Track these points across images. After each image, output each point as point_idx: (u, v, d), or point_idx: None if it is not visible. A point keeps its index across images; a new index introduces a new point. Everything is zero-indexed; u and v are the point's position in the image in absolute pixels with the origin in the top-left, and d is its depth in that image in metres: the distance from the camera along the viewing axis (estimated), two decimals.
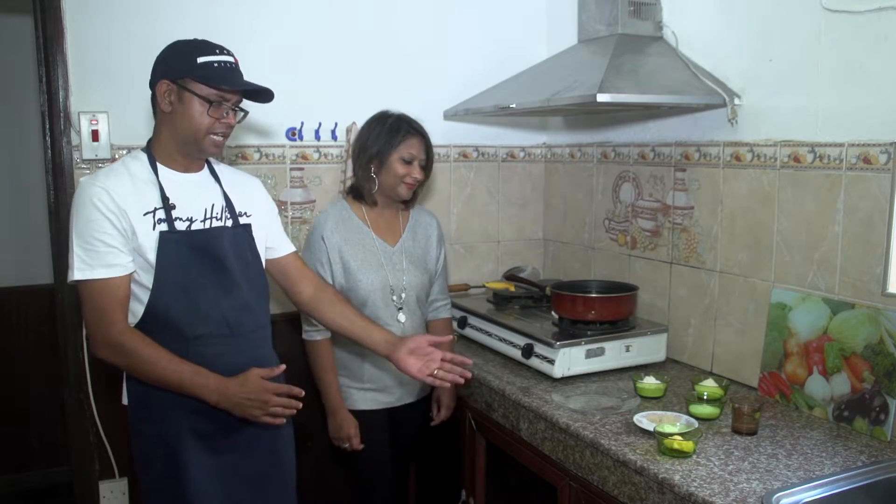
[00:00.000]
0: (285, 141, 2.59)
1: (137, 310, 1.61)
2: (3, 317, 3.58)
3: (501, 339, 2.39)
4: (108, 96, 2.31)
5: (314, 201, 2.62)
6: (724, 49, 2.13)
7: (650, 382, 2.01)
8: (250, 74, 1.72)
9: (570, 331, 2.23)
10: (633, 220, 2.55)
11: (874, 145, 1.74)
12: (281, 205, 2.55)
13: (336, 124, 2.63)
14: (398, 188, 2.14)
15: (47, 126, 2.38)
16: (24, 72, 3.44)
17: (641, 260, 2.53)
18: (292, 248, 1.92)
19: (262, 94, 1.68)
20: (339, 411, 2.09)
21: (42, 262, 3.42)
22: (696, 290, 2.29)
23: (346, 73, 2.62)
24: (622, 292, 2.31)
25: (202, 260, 1.65)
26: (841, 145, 1.82)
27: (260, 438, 1.74)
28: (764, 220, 2.04)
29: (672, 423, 1.73)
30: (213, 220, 1.70)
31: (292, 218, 2.59)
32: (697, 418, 1.79)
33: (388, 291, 2.15)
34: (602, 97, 1.88)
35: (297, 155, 2.61)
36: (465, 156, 2.90)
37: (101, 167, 2.30)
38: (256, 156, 2.55)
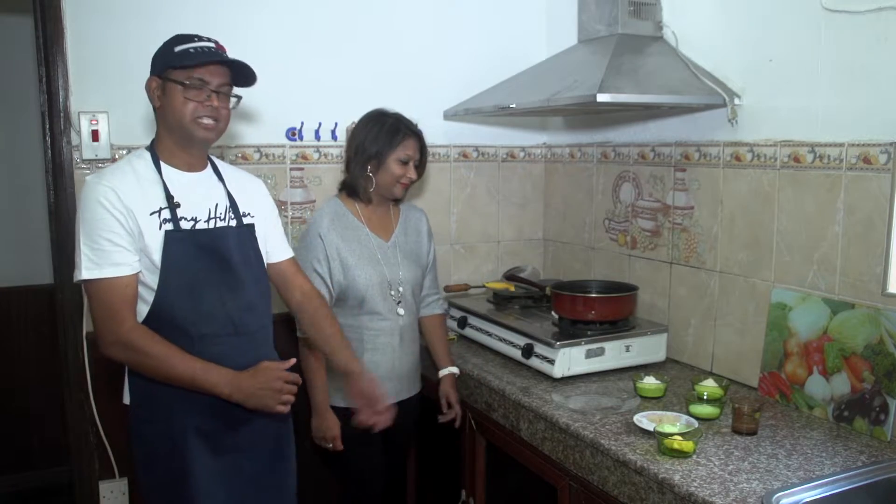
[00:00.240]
0: (285, 141, 2.59)
1: (142, 310, 1.61)
2: (3, 317, 3.58)
3: (501, 339, 2.39)
4: (108, 96, 2.31)
5: (314, 201, 2.62)
6: (724, 49, 2.13)
7: (650, 382, 2.01)
8: None
9: (570, 331, 2.23)
10: (633, 220, 2.55)
11: (874, 145, 1.74)
12: (281, 205, 2.55)
13: (336, 124, 2.63)
14: (394, 188, 2.17)
15: (47, 126, 2.38)
16: (24, 72, 3.44)
17: (641, 260, 2.53)
18: (289, 254, 1.91)
19: (244, 76, 1.69)
20: (324, 411, 2.09)
21: (42, 262, 3.42)
22: (696, 290, 2.29)
23: (346, 72, 2.62)
24: (622, 292, 2.31)
25: (208, 259, 1.65)
26: (841, 145, 1.82)
27: (262, 438, 1.74)
28: (764, 220, 2.04)
29: (672, 423, 1.73)
30: (217, 219, 1.70)
31: (292, 218, 2.59)
32: (697, 418, 1.79)
33: (385, 286, 2.16)
34: (602, 97, 1.88)
35: (297, 155, 2.61)
36: (465, 156, 2.90)
37: (101, 167, 2.30)
38: (256, 156, 2.55)
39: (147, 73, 1.67)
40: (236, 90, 1.72)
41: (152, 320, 1.60)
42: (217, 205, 1.72)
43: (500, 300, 2.62)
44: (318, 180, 2.62)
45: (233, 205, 1.75)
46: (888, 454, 1.63)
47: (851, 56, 1.78)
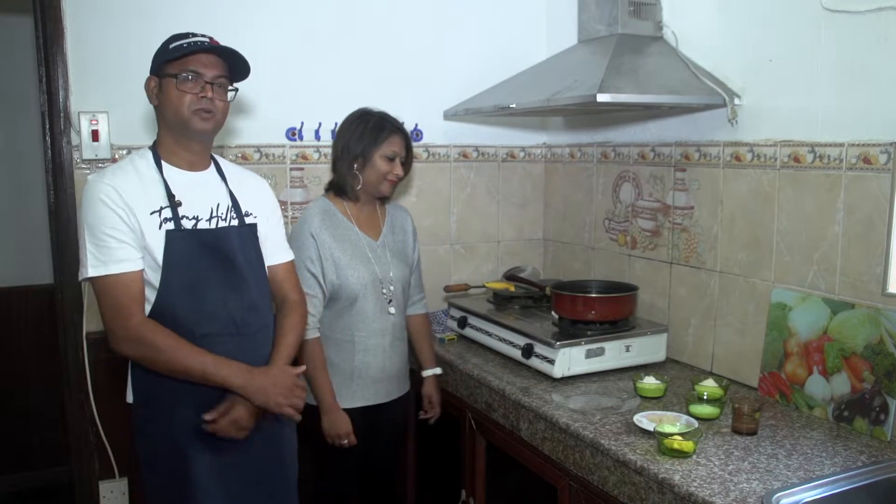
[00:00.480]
0: (285, 141, 2.59)
1: (145, 308, 1.62)
2: (3, 317, 3.58)
3: (501, 339, 2.39)
4: (108, 96, 2.31)
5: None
6: (724, 49, 2.13)
7: (650, 382, 2.01)
8: (251, 74, 1.72)
9: (570, 331, 2.23)
10: (633, 220, 2.55)
11: (874, 145, 1.74)
12: (281, 205, 2.53)
13: (336, 124, 2.62)
14: (381, 185, 2.17)
15: (47, 126, 2.38)
16: (24, 72, 3.44)
17: (641, 260, 2.53)
18: (287, 258, 1.88)
19: (239, 69, 1.69)
20: (333, 409, 2.09)
21: (42, 262, 3.42)
22: (696, 290, 2.29)
23: (346, 72, 2.62)
24: (622, 292, 2.31)
25: (211, 259, 1.65)
26: (841, 145, 1.82)
27: (263, 438, 1.74)
28: (764, 220, 2.04)
29: (672, 423, 1.73)
30: (219, 219, 1.70)
31: (292, 218, 2.59)
32: (697, 418, 1.79)
33: (377, 285, 2.16)
34: (602, 97, 1.88)
35: (297, 155, 2.61)
36: (465, 156, 2.90)
37: (101, 167, 2.30)
38: (256, 156, 2.55)
39: (147, 74, 1.68)
40: (244, 94, 1.72)
41: (155, 319, 1.60)
42: (219, 204, 1.72)
43: (500, 300, 2.62)
44: (318, 180, 2.62)
45: (235, 204, 1.74)
46: (888, 454, 1.63)
47: (851, 56, 1.78)
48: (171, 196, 1.64)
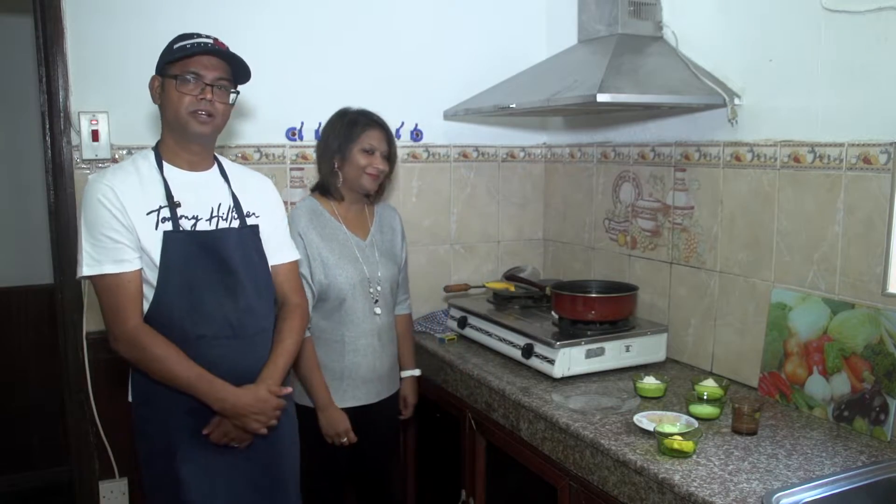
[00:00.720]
0: (285, 141, 2.59)
1: (143, 307, 1.62)
2: (3, 317, 3.58)
3: (501, 339, 2.39)
4: (108, 96, 2.32)
5: None
6: (724, 49, 2.13)
7: (650, 382, 2.01)
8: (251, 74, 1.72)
9: (570, 331, 2.23)
10: (633, 220, 2.55)
11: (874, 145, 1.74)
12: None
13: None
14: (361, 179, 2.15)
15: (47, 126, 2.38)
16: (24, 72, 3.44)
17: (641, 260, 2.53)
18: (289, 259, 1.86)
19: (241, 73, 1.70)
20: (329, 407, 2.09)
21: (42, 262, 3.42)
22: (696, 290, 2.29)
23: (346, 72, 2.62)
24: (622, 292, 2.31)
25: (207, 261, 1.65)
26: (841, 145, 1.82)
27: (261, 438, 1.74)
28: (764, 220, 2.04)
29: (672, 423, 1.73)
30: (220, 219, 1.70)
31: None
32: (697, 418, 1.79)
33: (365, 284, 2.16)
34: (602, 97, 1.88)
35: (297, 155, 2.61)
36: (465, 156, 2.90)
37: (101, 167, 2.30)
38: (256, 156, 2.55)
39: (147, 73, 1.68)
40: (244, 93, 1.72)
41: (152, 318, 1.61)
42: (220, 204, 1.72)
43: (500, 300, 2.62)
44: None
45: (236, 205, 1.74)
46: (888, 454, 1.63)
47: (851, 56, 1.78)
48: (170, 196, 1.64)
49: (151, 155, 1.69)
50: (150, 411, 1.67)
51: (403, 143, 2.75)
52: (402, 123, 2.74)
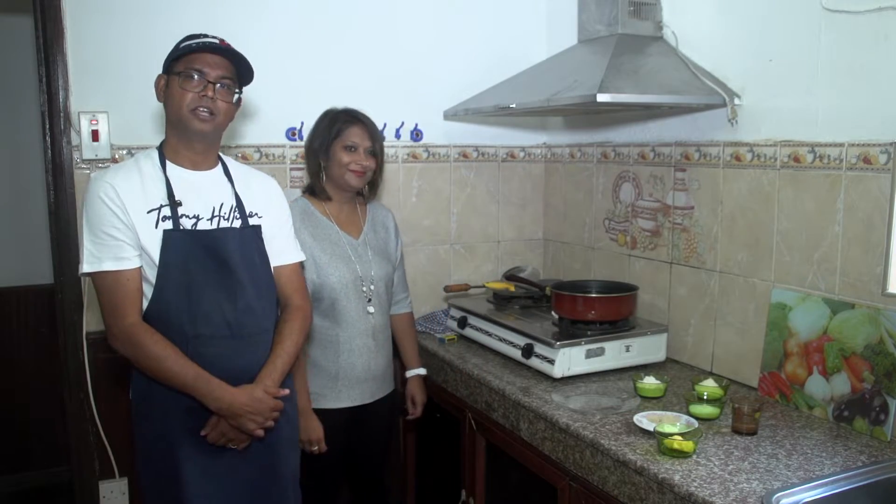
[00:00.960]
0: (285, 141, 2.59)
1: (143, 305, 1.62)
2: (3, 317, 3.58)
3: (501, 339, 2.39)
4: (108, 96, 2.32)
5: None
6: (724, 49, 2.13)
7: (650, 382, 2.01)
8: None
9: (570, 331, 2.22)
10: (633, 220, 2.55)
11: (874, 145, 1.74)
12: None
13: None
14: (346, 176, 2.14)
15: (47, 126, 2.38)
16: (24, 72, 3.44)
17: (641, 260, 2.53)
18: (292, 260, 1.86)
19: (245, 75, 1.70)
20: (307, 414, 2.06)
21: (42, 262, 3.42)
22: (696, 290, 2.29)
23: (346, 72, 2.62)
24: (622, 292, 2.31)
25: (206, 260, 1.65)
26: (841, 145, 1.82)
27: (259, 439, 1.74)
28: (764, 220, 2.04)
29: (672, 423, 1.73)
30: (221, 219, 1.70)
31: None
32: (697, 418, 1.79)
33: (358, 283, 2.16)
34: (602, 97, 1.88)
35: (297, 155, 2.61)
36: (465, 156, 2.90)
37: (101, 167, 2.31)
38: (256, 156, 2.55)
39: (147, 73, 1.70)
40: (246, 94, 1.72)
41: (150, 316, 1.61)
42: (222, 204, 1.71)
43: (500, 300, 2.62)
44: None
45: (239, 205, 1.74)
46: (888, 454, 1.63)
47: (851, 56, 1.78)
48: (171, 195, 1.64)
49: (155, 154, 1.70)
50: (149, 410, 1.67)
51: (403, 142, 2.76)
52: (403, 123, 2.74)
